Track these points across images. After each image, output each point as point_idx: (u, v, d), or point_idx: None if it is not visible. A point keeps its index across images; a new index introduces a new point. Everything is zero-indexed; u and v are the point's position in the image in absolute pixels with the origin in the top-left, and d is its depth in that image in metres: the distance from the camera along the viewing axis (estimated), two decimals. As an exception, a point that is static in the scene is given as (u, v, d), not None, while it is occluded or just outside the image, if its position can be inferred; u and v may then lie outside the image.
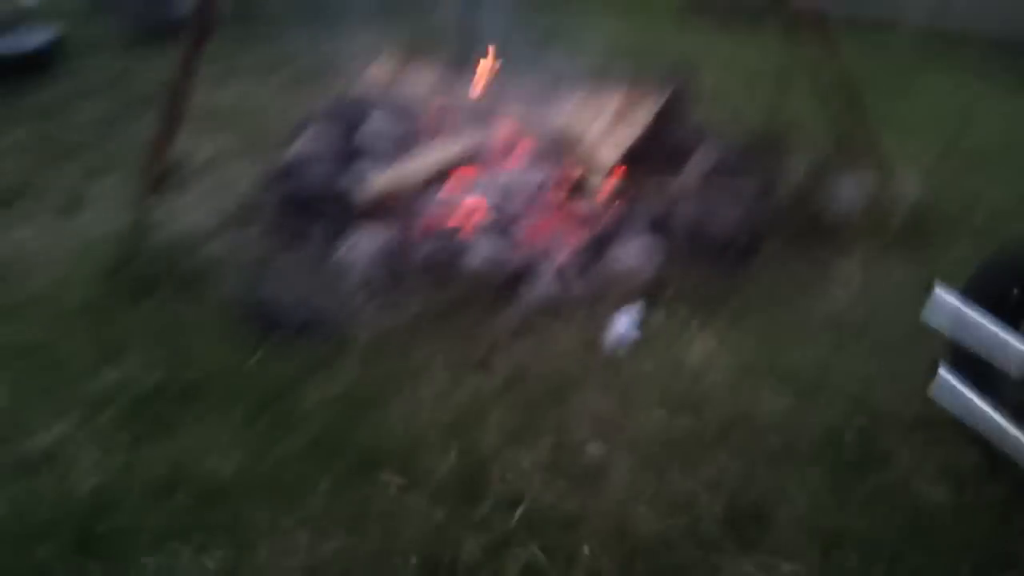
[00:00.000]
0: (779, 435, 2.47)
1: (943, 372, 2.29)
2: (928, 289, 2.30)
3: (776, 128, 3.83)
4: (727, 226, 3.27)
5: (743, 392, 2.66)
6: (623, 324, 2.93)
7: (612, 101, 3.51)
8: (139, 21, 6.19)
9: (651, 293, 3.08)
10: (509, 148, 3.56)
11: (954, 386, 2.24)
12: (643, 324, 2.95)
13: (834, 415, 2.55)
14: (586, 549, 2.09)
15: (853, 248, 3.40)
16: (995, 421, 2.13)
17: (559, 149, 3.48)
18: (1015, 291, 2.17)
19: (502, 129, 3.63)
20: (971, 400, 2.20)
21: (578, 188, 3.40)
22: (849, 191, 3.53)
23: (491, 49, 4.08)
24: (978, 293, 2.22)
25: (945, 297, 2.25)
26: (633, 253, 3.16)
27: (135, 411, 2.57)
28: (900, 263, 3.34)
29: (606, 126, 3.43)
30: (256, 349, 2.82)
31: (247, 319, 2.93)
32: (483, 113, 3.73)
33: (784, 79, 3.71)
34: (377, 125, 3.74)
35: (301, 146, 3.70)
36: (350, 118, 3.84)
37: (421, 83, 3.99)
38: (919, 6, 6.12)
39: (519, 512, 2.19)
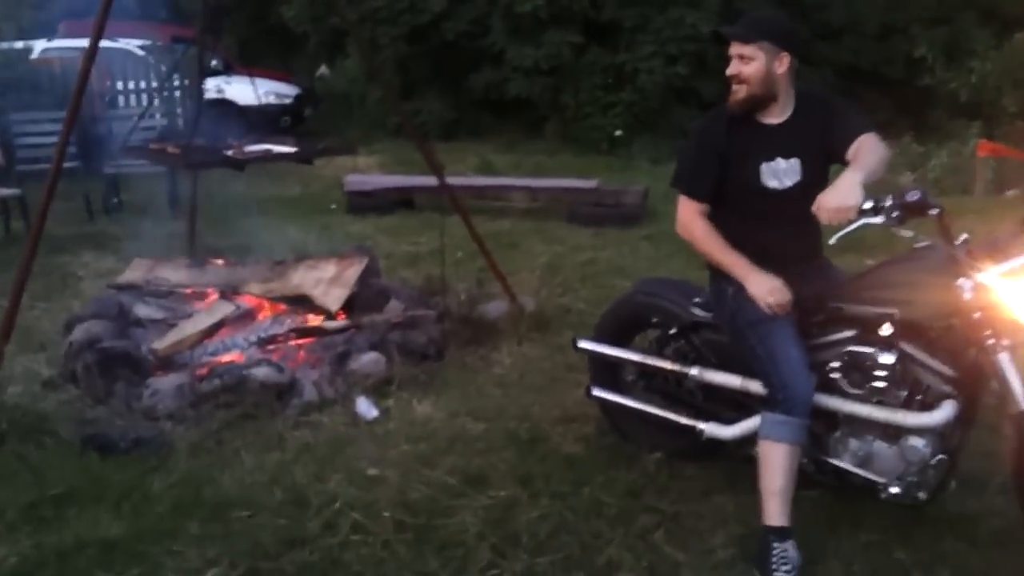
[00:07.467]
0: (482, 441, 4.00)
1: (594, 389, 3.96)
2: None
3: (436, 282, 5.62)
4: (424, 338, 4.87)
5: (455, 427, 4.16)
6: (364, 406, 4.31)
7: (328, 267, 5.01)
8: None
9: (382, 385, 4.52)
10: (259, 306, 4.87)
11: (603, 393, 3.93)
12: (379, 404, 4.36)
13: (512, 426, 4.15)
14: (387, 513, 3.39)
15: (501, 342, 5.17)
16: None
17: (298, 301, 4.87)
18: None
19: (250, 295, 4.94)
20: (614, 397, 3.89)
21: (314, 327, 4.79)
22: (494, 309, 5.35)
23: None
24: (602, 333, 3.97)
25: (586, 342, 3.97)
26: (365, 362, 4.60)
27: (24, 518, 3.36)
28: (531, 346, 5.16)
29: (328, 282, 4.90)
30: (100, 466, 3.74)
31: (86, 448, 3.82)
32: (231, 286, 5.01)
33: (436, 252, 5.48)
34: (147, 306, 4.83)
35: (83, 331, 4.64)
36: (119, 306, 4.88)
37: (174, 275, 5.16)
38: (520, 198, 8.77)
39: (337, 505, 3.43)
